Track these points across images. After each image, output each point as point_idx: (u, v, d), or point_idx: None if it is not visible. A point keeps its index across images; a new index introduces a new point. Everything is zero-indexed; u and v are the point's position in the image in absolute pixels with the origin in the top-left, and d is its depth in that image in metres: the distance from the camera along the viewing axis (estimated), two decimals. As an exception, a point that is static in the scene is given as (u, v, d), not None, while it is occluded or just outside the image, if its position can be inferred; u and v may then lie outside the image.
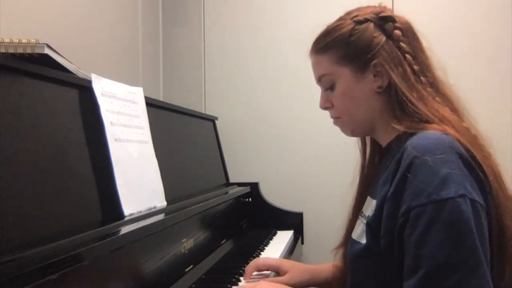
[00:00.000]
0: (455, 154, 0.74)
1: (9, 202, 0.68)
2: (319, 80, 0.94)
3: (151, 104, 1.25)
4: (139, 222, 0.93)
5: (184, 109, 1.59)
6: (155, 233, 0.96)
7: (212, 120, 1.96)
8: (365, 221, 0.86)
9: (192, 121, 1.69)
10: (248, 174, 2.05)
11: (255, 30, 2.12)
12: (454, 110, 0.85)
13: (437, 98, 0.85)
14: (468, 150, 0.76)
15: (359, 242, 0.86)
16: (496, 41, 1.92)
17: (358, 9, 0.92)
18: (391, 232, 0.77)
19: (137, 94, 1.16)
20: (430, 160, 0.73)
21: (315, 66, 0.94)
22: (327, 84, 0.92)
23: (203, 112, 2.11)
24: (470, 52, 1.92)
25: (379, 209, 0.81)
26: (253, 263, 1.13)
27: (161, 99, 2.07)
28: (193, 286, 1.09)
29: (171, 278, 1.04)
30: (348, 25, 0.88)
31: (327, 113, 0.96)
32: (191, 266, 1.16)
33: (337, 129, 0.97)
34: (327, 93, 0.93)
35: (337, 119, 0.95)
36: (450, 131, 0.78)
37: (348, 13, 0.92)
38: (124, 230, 0.85)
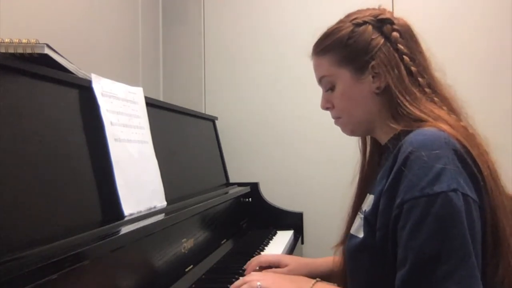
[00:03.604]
0: (450, 149, 0.75)
1: (9, 202, 0.68)
2: (320, 81, 0.96)
3: (151, 104, 1.25)
4: (139, 222, 0.93)
5: (184, 109, 1.59)
6: (155, 233, 0.96)
7: (212, 120, 1.96)
8: (362, 216, 0.88)
9: (192, 121, 1.69)
10: (248, 174, 2.05)
11: (255, 30, 2.12)
12: (452, 110, 0.87)
13: (435, 99, 0.86)
14: (463, 146, 0.77)
15: (356, 237, 0.88)
16: (495, 41, 1.92)
17: (358, 11, 0.94)
18: (386, 225, 0.79)
19: (137, 94, 1.16)
20: (425, 155, 0.74)
21: (316, 68, 0.96)
22: (328, 85, 0.94)
23: (203, 112, 2.11)
24: (470, 52, 1.92)
25: (376, 203, 0.83)
26: (255, 260, 1.15)
27: (161, 99, 2.07)
28: (193, 286, 1.09)
29: (171, 278, 1.04)
30: (347, 28, 0.90)
31: (326, 113, 0.97)
32: (191, 266, 1.16)
33: (336, 129, 0.98)
34: (328, 94, 0.95)
35: (337, 119, 0.97)
36: (446, 128, 0.79)
37: (348, 16, 0.94)
38: (124, 230, 0.85)
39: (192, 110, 1.70)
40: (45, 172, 0.78)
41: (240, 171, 2.06)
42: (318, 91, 0.97)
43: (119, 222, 0.90)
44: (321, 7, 2.05)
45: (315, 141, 2.05)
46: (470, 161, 0.77)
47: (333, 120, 0.98)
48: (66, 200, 0.82)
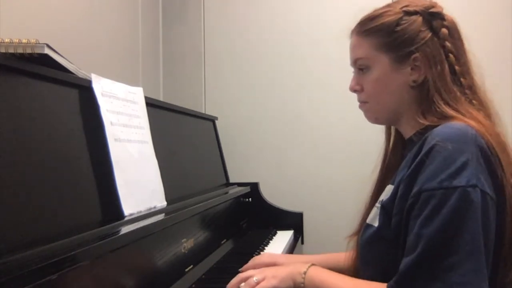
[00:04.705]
0: (475, 145, 0.75)
1: (9, 202, 0.68)
2: (355, 62, 0.94)
3: (151, 104, 1.25)
4: (139, 222, 0.93)
5: (184, 109, 1.59)
6: (155, 233, 0.96)
7: (212, 120, 1.96)
8: (379, 205, 0.87)
9: (192, 121, 1.69)
10: (248, 174, 2.05)
11: (255, 30, 2.12)
12: (488, 115, 0.86)
13: (474, 102, 0.86)
14: (491, 146, 0.77)
15: (371, 226, 0.87)
16: (495, 41, 1.92)
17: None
18: (402, 211, 0.78)
19: (137, 94, 1.16)
20: (449, 148, 0.74)
21: (354, 48, 0.94)
22: (362, 68, 0.92)
23: (203, 112, 2.11)
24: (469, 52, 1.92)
25: (395, 191, 0.82)
26: (250, 262, 1.13)
27: (161, 99, 2.07)
28: (193, 286, 1.09)
29: (171, 278, 1.04)
30: (397, 14, 0.88)
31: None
32: (191, 266, 1.16)
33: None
34: (360, 77, 0.93)
35: (363, 103, 0.95)
36: (475, 125, 0.78)
37: (397, 2, 0.91)
38: (124, 230, 0.85)
39: (192, 110, 1.70)
40: (45, 172, 0.78)
41: (240, 171, 2.05)
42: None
43: (119, 222, 0.90)
44: (321, 7, 2.05)
45: (315, 141, 2.04)
46: (494, 160, 0.76)
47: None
48: (66, 200, 0.82)
